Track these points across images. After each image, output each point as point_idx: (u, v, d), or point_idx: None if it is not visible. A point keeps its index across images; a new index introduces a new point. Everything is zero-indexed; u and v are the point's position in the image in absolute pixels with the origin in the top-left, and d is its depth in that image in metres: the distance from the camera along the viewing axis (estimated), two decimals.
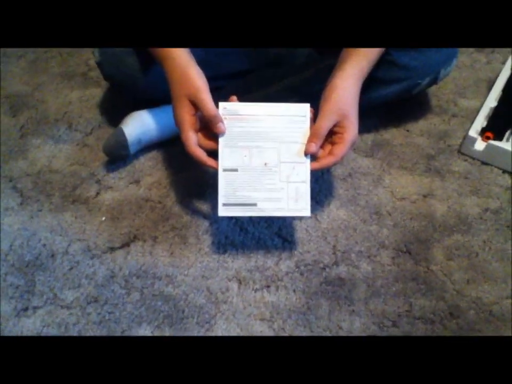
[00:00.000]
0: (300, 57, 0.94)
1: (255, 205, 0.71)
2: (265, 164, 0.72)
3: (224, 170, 0.70)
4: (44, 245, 0.79)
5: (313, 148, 0.70)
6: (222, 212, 0.70)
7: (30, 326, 0.71)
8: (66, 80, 1.07)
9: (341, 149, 0.69)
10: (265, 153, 0.72)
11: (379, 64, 0.82)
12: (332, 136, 0.71)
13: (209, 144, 0.71)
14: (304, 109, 0.72)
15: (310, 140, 0.71)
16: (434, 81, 0.89)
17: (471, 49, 1.15)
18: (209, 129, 0.71)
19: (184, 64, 0.70)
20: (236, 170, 0.71)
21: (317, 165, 0.71)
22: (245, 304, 0.73)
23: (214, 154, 0.70)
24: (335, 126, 0.70)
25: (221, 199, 0.70)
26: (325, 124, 0.70)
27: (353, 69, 0.72)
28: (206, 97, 0.68)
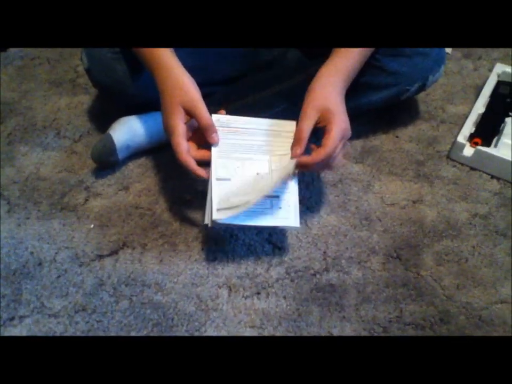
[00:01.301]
0: (290, 63, 0.95)
1: (248, 202, 0.70)
2: (257, 173, 0.72)
3: (218, 179, 0.70)
4: (31, 253, 0.78)
5: (298, 151, 0.70)
6: (216, 215, 0.69)
7: (16, 335, 0.70)
8: (54, 87, 1.06)
9: (327, 139, 0.69)
10: (257, 164, 0.73)
11: (367, 70, 0.82)
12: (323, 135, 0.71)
13: (199, 153, 0.71)
14: (291, 126, 0.73)
15: (294, 144, 0.71)
16: (422, 87, 0.90)
17: (459, 56, 1.16)
18: (199, 139, 0.71)
19: (177, 73, 0.70)
20: (228, 179, 0.71)
21: (308, 158, 0.70)
22: (235, 312, 0.73)
23: (201, 164, 0.70)
24: (318, 122, 0.70)
25: (215, 206, 0.69)
26: (305, 124, 0.70)
27: (331, 69, 0.73)
28: (201, 106, 0.68)
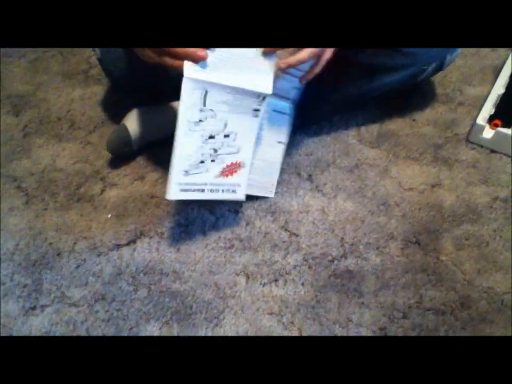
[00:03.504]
0: None
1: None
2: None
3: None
4: (50, 244, 0.79)
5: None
6: (172, 194, 0.70)
7: (38, 325, 0.71)
8: (67, 78, 1.07)
9: (303, 50, 0.67)
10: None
11: (383, 51, 0.81)
12: None
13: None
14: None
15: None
16: (439, 67, 0.88)
17: None
18: None
19: None
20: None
21: (282, 64, 0.68)
22: (253, 299, 0.73)
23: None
24: None
25: (174, 181, 0.69)
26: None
27: None
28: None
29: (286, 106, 0.83)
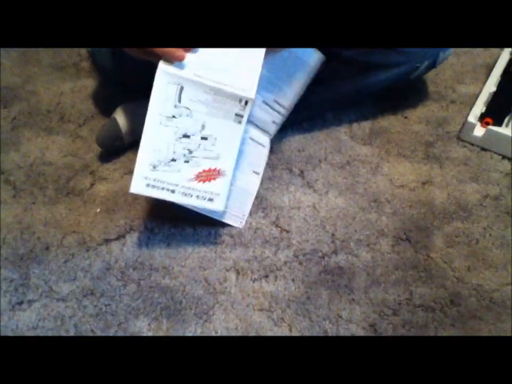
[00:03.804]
0: None
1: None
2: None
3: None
4: (38, 238, 0.78)
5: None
6: (135, 187, 0.68)
7: (25, 319, 0.70)
8: (57, 71, 1.05)
9: None
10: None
11: (377, 49, 0.80)
12: None
13: None
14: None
15: None
16: (432, 65, 0.88)
17: None
18: None
19: None
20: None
21: None
22: (243, 295, 0.72)
23: None
24: None
25: (138, 174, 0.68)
26: None
27: None
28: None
29: (263, 139, 0.84)
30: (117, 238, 0.78)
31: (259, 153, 0.84)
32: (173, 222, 0.80)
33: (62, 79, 1.03)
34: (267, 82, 0.79)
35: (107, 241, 0.78)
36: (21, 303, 0.71)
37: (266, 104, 0.81)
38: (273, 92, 0.81)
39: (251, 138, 0.82)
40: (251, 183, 0.83)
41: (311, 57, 0.80)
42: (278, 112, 0.82)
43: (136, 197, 0.83)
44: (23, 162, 0.89)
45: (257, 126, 0.83)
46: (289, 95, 0.82)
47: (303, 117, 0.93)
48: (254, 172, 0.83)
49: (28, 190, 0.84)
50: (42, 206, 0.82)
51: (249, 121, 0.78)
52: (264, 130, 0.83)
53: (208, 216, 0.79)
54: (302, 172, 0.87)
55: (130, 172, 0.86)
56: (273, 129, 0.84)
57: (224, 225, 0.79)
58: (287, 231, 0.79)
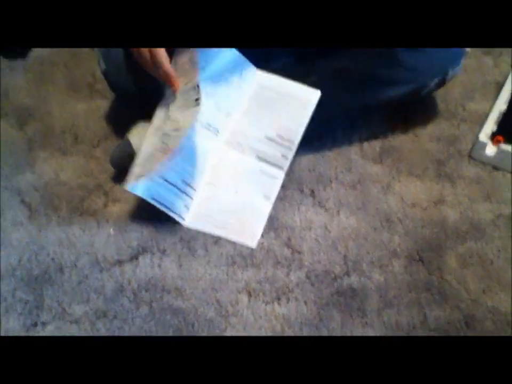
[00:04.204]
0: (303, 63, 0.93)
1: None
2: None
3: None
4: (53, 259, 0.79)
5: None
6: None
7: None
8: (72, 92, 1.07)
9: None
10: None
11: (384, 65, 0.81)
12: None
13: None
14: None
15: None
16: (442, 82, 0.88)
17: (478, 53, 1.14)
18: None
19: None
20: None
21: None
22: (255, 317, 0.72)
23: None
24: None
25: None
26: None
27: None
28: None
29: (275, 171, 0.85)
30: (130, 259, 0.79)
31: (271, 183, 0.84)
32: (185, 243, 0.81)
33: (76, 100, 1.05)
34: (268, 120, 0.83)
35: (120, 262, 0.78)
36: (35, 325, 0.72)
37: (271, 139, 0.83)
38: (275, 127, 0.84)
39: (262, 171, 0.84)
40: (262, 206, 0.83)
41: (311, 95, 0.83)
42: (285, 146, 0.83)
43: (148, 217, 0.84)
44: (38, 183, 0.90)
45: (267, 161, 0.84)
46: (292, 128, 0.83)
47: (313, 134, 0.93)
48: (265, 196, 0.84)
49: (43, 210, 0.86)
50: (57, 227, 0.83)
51: (259, 157, 0.84)
52: (275, 164, 0.84)
53: (220, 237, 0.79)
54: (312, 191, 0.87)
55: None
56: (284, 162, 0.84)
57: (236, 246, 0.80)
58: (299, 252, 0.79)
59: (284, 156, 0.84)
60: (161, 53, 0.73)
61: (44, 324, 0.72)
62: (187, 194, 0.81)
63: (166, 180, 0.78)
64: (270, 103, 0.85)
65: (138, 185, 0.77)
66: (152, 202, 0.77)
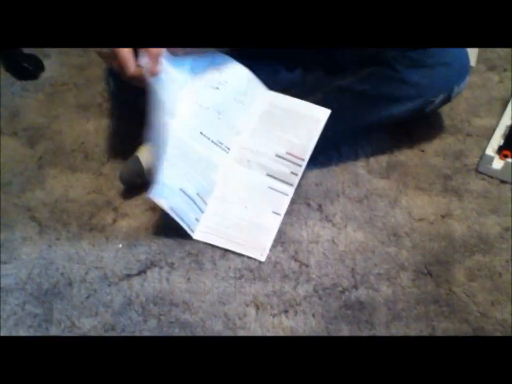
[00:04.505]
0: (309, 83, 0.95)
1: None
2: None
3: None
4: (62, 274, 0.80)
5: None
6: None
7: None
8: (82, 111, 1.09)
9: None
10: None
11: (388, 82, 0.82)
12: None
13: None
14: None
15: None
16: (448, 99, 0.89)
17: (483, 69, 1.15)
18: None
19: None
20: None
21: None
22: (263, 330, 0.72)
23: None
24: None
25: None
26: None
27: None
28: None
29: (284, 188, 0.86)
30: (138, 273, 0.79)
31: (280, 199, 0.85)
32: (192, 256, 0.81)
33: (86, 119, 1.07)
34: (277, 138, 0.86)
35: (128, 276, 0.79)
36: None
37: (280, 157, 0.85)
38: (284, 145, 0.85)
39: (271, 187, 0.85)
40: (271, 222, 0.84)
41: (320, 114, 0.85)
42: (295, 163, 0.85)
43: (156, 232, 0.85)
44: (48, 199, 0.91)
45: (276, 178, 0.85)
46: (301, 145, 0.85)
47: (319, 150, 0.94)
48: (274, 212, 0.85)
49: (52, 226, 0.87)
50: (66, 242, 0.84)
51: (269, 174, 0.86)
52: (285, 181, 0.85)
53: (228, 250, 0.80)
54: (320, 206, 0.88)
55: (151, 208, 0.89)
56: (294, 179, 0.85)
57: (244, 259, 0.80)
58: (306, 266, 0.79)
59: (293, 173, 0.85)
60: (124, 54, 0.70)
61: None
62: (199, 208, 0.83)
63: (183, 192, 0.80)
64: (280, 121, 0.87)
65: (160, 193, 0.78)
66: (170, 212, 0.78)
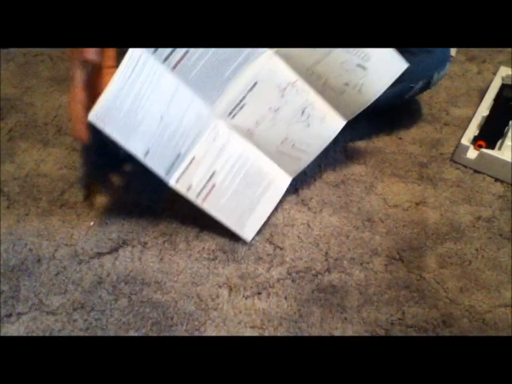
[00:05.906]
0: None
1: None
2: None
3: None
4: (30, 250, 0.78)
5: None
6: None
7: (13, 332, 0.69)
8: (56, 84, 1.06)
9: None
10: None
11: None
12: None
13: None
14: None
15: None
16: (427, 85, 0.89)
17: (463, 59, 1.16)
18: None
19: None
20: None
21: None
22: (235, 311, 0.72)
23: None
24: None
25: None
26: None
27: None
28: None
29: (284, 177, 0.83)
30: (110, 252, 0.78)
31: (277, 187, 0.83)
32: (166, 236, 0.80)
33: (60, 92, 1.04)
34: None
35: (99, 254, 0.77)
36: (9, 315, 0.70)
37: (286, 146, 0.80)
38: (294, 138, 0.81)
39: (270, 173, 0.82)
40: (265, 207, 0.81)
41: (339, 123, 0.81)
42: (299, 157, 0.82)
43: (129, 210, 0.83)
44: (18, 173, 0.88)
45: (278, 164, 0.82)
46: (312, 144, 0.81)
47: None
48: (269, 197, 0.82)
49: (22, 201, 0.84)
50: (36, 218, 0.82)
51: (272, 158, 0.81)
52: (285, 169, 0.82)
53: (202, 231, 0.79)
54: (296, 189, 0.88)
55: (125, 186, 0.87)
56: (294, 169, 0.83)
57: (218, 240, 0.79)
58: (281, 248, 0.79)
59: (295, 164, 0.82)
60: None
61: (19, 314, 0.70)
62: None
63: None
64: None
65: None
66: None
